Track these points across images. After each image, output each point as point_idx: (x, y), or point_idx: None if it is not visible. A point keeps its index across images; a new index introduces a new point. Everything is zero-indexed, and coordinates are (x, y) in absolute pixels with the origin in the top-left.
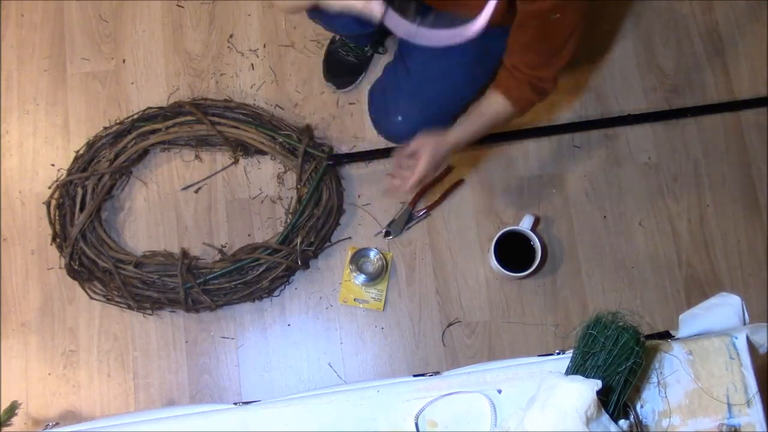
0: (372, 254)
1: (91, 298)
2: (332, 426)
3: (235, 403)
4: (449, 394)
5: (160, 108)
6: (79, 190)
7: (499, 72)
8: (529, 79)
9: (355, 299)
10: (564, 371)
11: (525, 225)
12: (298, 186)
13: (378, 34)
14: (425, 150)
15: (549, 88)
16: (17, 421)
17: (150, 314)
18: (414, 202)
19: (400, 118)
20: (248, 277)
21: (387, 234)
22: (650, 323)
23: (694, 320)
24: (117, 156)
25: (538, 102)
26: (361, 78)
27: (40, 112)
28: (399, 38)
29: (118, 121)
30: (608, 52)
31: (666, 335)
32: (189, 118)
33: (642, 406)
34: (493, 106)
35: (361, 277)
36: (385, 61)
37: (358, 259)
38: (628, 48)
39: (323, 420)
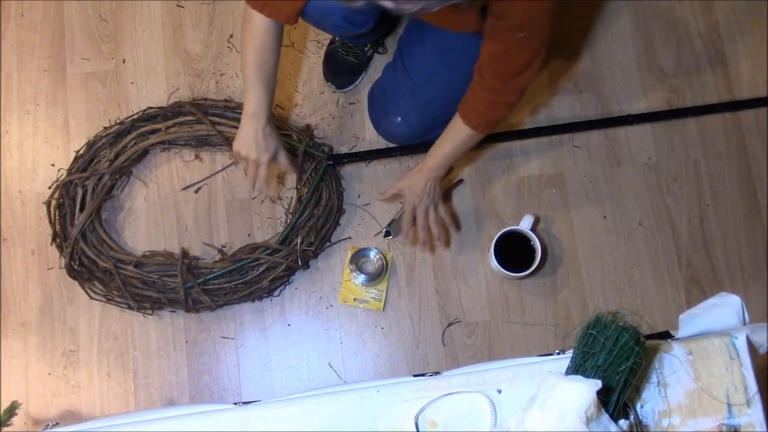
0: (372, 254)
1: (91, 298)
2: (332, 426)
3: (235, 403)
4: (449, 394)
5: (160, 108)
6: (79, 190)
7: (464, 96)
8: (490, 100)
9: (355, 299)
10: (564, 371)
11: (525, 225)
12: (298, 186)
13: (373, 34)
14: (401, 183)
15: (514, 100)
16: (17, 421)
17: (150, 314)
18: None
19: (399, 118)
20: (248, 277)
21: (387, 234)
22: (650, 323)
23: (694, 320)
24: (117, 156)
25: (505, 116)
26: (361, 78)
27: (40, 112)
28: (399, 39)
29: (118, 121)
30: (608, 52)
31: (666, 335)
32: (189, 118)
33: (642, 406)
34: (461, 133)
35: (361, 277)
36: (385, 61)
37: (358, 259)
38: (628, 48)
39: (323, 420)
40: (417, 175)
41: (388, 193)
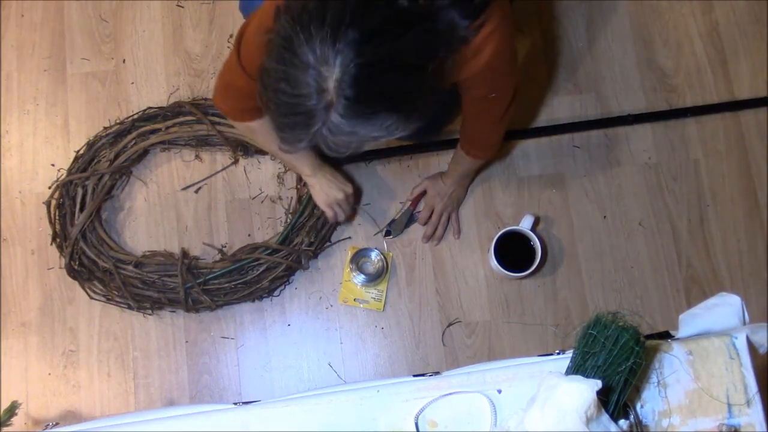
0: (372, 254)
1: (91, 298)
2: (332, 426)
3: (235, 403)
4: (449, 394)
5: (160, 108)
6: (79, 190)
7: (460, 129)
8: (478, 138)
9: (355, 299)
10: (564, 371)
11: (525, 225)
12: (298, 186)
13: None
14: (428, 182)
15: (501, 135)
16: (17, 421)
17: (150, 314)
18: (415, 203)
19: None
20: (248, 277)
21: (387, 234)
22: (650, 323)
23: (694, 320)
24: (117, 156)
25: (498, 142)
26: None
27: (40, 112)
28: None
29: (118, 121)
30: (608, 52)
31: (666, 335)
32: (189, 118)
33: (642, 406)
34: (466, 158)
35: (361, 277)
36: None
37: (358, 259)
38: (628, 48)
39: (323, 420)
40: (444, 180)
41: (416, 191)
